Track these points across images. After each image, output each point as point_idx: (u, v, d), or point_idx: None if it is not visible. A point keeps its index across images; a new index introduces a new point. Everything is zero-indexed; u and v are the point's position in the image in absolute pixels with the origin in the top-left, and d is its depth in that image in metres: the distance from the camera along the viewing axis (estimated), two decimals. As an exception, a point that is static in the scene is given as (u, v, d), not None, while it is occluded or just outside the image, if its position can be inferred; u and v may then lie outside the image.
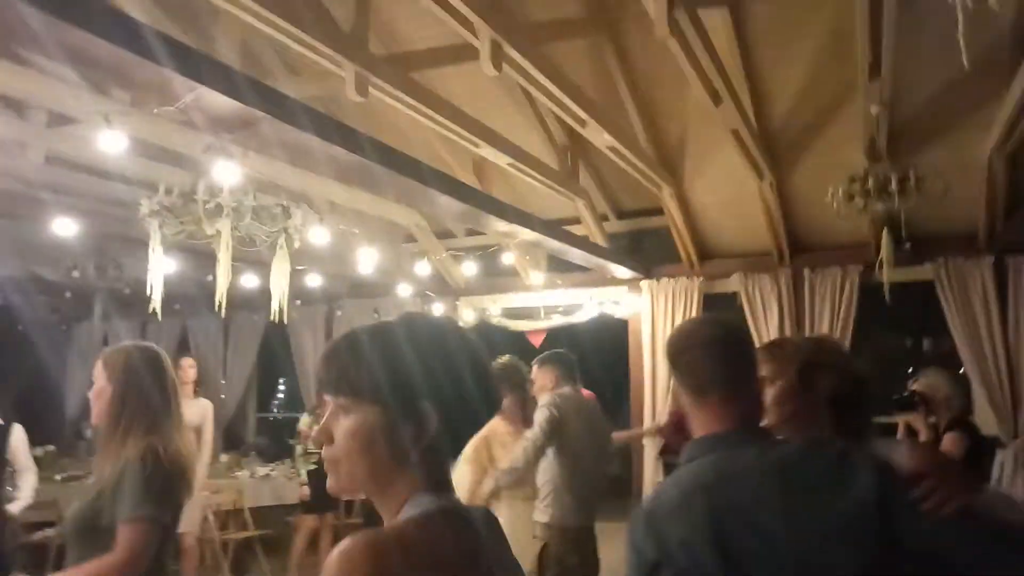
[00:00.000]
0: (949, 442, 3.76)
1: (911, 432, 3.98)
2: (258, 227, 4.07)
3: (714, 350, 1.60)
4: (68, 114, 4.06)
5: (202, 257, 5.27)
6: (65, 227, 5.25)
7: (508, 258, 7.69)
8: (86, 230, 5.47)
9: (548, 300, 8.18)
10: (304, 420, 6.90)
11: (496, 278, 8.25)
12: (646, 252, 7.86)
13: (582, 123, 4.90)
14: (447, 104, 4.93)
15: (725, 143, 5.66)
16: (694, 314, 7.40)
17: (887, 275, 4.67)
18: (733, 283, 7.31)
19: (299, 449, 6.62)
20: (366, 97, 3.98)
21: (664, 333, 7.47)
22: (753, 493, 1.42)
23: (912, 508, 1.32)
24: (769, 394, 1.72)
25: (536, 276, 7.75)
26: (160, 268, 4.06)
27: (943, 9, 4.65)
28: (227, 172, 3.46)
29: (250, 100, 2.86)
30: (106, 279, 6.66)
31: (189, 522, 5.26)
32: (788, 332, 6.93)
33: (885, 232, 4.50)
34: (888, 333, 7.15)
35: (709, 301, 7.56)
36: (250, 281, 5.90)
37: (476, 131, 5.13)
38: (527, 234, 5.15)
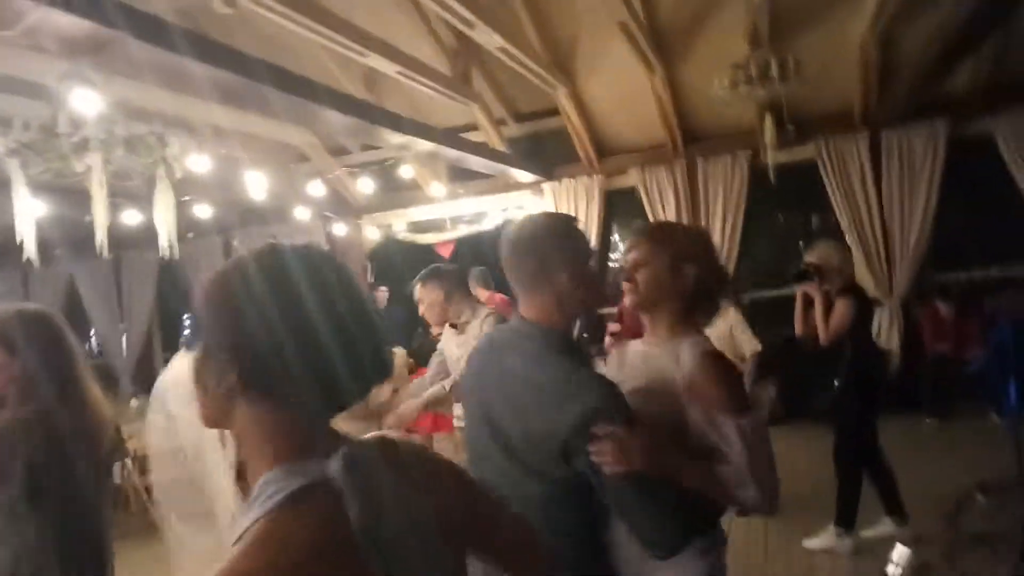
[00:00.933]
0: (842, 306, 4.08)
1: (808, 301, 4.28)
2: (133, 159, 3.79)
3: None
4: None
5: (77, 196, 4.90)
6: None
7: (408, 171, 7.54)
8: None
9: (453, 211, 8.13)
10: None
11: (397, 193, 8.11)
12: (547, 154, 7.86)
13: (470, 25, 4.74)
14: (327, 12, 4.65)
15: (615, 39, 5.65)
16: (598, 213, 7.56)
17: (771, 158, 4.86)
18: (632, 178, 7.46)
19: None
20: (234, 7, 3.69)
21: (569, 233, 7.61)
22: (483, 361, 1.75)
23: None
24: (639, 277, 1.80)
25: (437, 187, 7.66)
26: (29, 212, 3.73)
27: None
28: (88, 101, 3.15)
29: (100, 17, 2.59)
30: (-30, 229, 6.10)
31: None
32: (684, 219, 7.20)
33: (768, 117, 4.65)
34: (779, 212, 7.52)
35: (611, 197, 7.72)
36: (134, 218, 5.55)
37: (361, 40, 4.88)
38: (423, 145, 5.03)
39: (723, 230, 7.11)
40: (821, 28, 5.93)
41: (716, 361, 1.70)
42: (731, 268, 7.15)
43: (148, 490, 6.14)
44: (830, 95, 6.61)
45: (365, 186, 7.18)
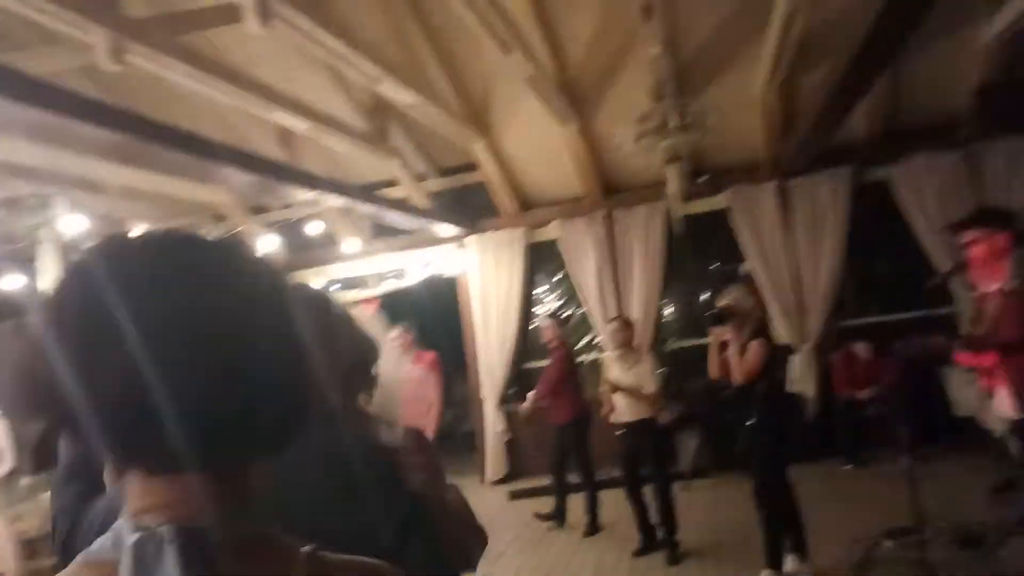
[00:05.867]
0: (755, 347, 4.15)
1: (722, 344, 4.34)
2: (13, 221, 3.59)
3: None
4: None
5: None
6: None
7: (327, 227, 7.41)
8: None
9: (374, 267, 8.01)
10: None
11: (317, 250, 7.95)
12: (470, 208, 7.86)
13: (377, 81, 4.74)
14: (229, 69, 4.59)
15: (528, 92, 5.73)
16: (521, 266, 7.56)
17: (676, 207, 4.98)
18: (553, 230, 7.51)
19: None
20: (123, 65, 3.58)
21: (495, 287, 7.59)
22: None
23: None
24: None
25: (353, 243, 7.52)
26: None
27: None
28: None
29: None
30: None
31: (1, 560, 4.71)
32: (606, 271, 7.27)
33: (673, 168, 4.76)
34: (697, 261, 7.65)
35: (534, 250, 7.75)
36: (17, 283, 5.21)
37: (266, 96, 4.82)
38: (335, 201, 4.94)
39: (642, 281, 7.19)
40: (725, 81, 6.15)
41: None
42: (652, 319, 7.23)
43: (39, 576, 5.68)
44: (738, 146, 6.84)
45: (269, 244, 6.94)
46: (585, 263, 7.35)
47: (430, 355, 5.56)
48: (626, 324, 5.12)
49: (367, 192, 5.84)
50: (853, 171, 6.71)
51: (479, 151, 6.84)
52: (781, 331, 6.89)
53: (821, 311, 6.80)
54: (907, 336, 6.57)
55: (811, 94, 5.85)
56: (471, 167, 7.38)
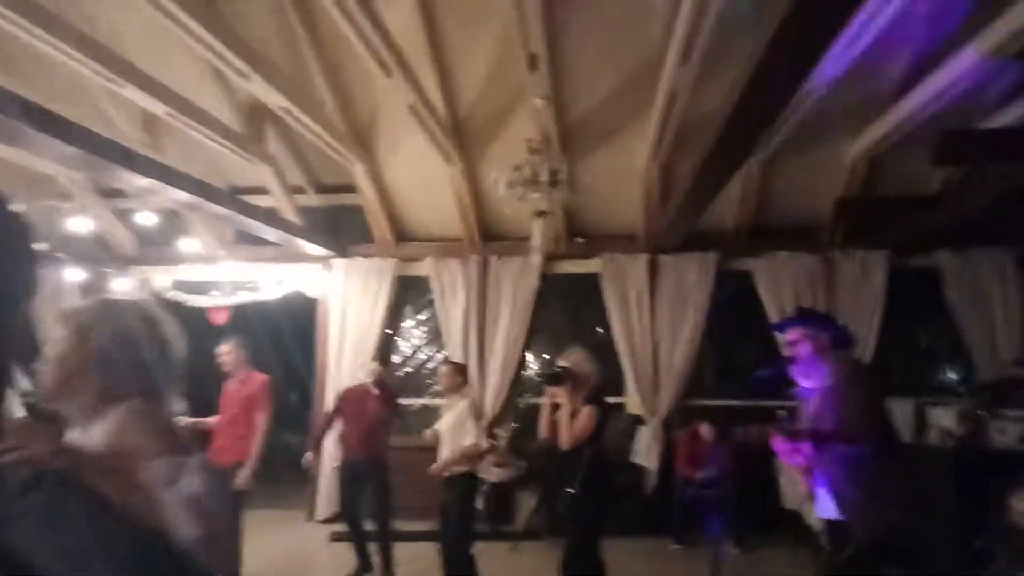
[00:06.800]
0: (587, 413, 4.05)
1: (555, 406, 4.22)
2: None
3: None
4: None
5: None
6: None
7: (184, 226, 6.90)
8: None
9: (233, 275, 7.50)
10: None
11: (171, 247, 7.37)
12: (343, 229, 7.57)
13: (245, 77, 4.43)
14: (86, 38, 4.17)
15: (416, 124, 5.56)
16: (387, 295, 7.28)
17: (535, 260, 4.90)
18: (426, 266, 7.31)
19: None
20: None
21: (357, 314, 7.26)
22: None
23: None
24: None
25: (213, 248, 7.04)
26: None
27: (610, 15, 5.00)
28: None
29: None
30: None
31: None
32: (473, 317, 7.11)
33: (537, 221, 4.70)
34: (564, 321, 7.62)
35: (403, 283, 7.51)
36: None
37: (121, 71, 4.41)
38: (177, 194, 4.54)
39: (508, 332, 7.08)
40: (612, 151, 6.24)
41: None
42: (512, 372, 7.10)
43: None
44: (618, 215, 6.94)
45: (134, 233, 6.28)
46: (453, 306, 7.17)
47: (261, 377, 5.13)
48: (457, 369, 4.94)
49: (218, 193, 5.42)
50: (719, 258, 6.92)
51: (359, 174, 6.59)
52: (633, 402, 6.93)
53: (674, 387, 6.89)
54: (749, 423, 6.81)
55: (686, 178, 6.00)
56: (350, 188, 7.10)
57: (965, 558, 4.49)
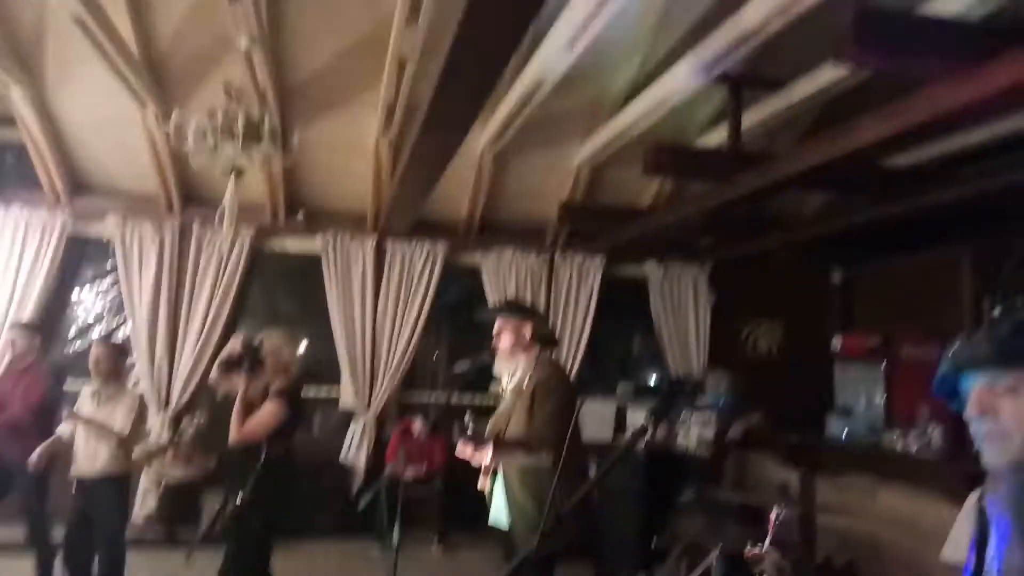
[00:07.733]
0: (272, 407, 3.54)
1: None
2: None
3: None
4: None
5: None
6: None
7: None
8: None
9: None
10: None
11: None
12: (2, 169, 6.07)
13: None
14: None
15: (92, 45, 4.46)
16: (51, 255, 5.94)
17: (228, 227, 4.18)
18: (109, 226, 6.10)
19: None
20: None
21: (2, 275, 5.84)
22: None
23: None
24: None
25: None
26: None
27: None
28: None
29: None
30: None
31: None
32: (164, 289, 6.08)
33: (231, 181, 3.99)
34: (281, 302, 6.90)
35: (78, 245, 6.21)
36: None
37: None
38: None
39: (207, 311, 6.15)
40: (339, 120, 5.64)
41: None
42: (208, 356, 6.18)
43: None
44: (345, 192, 6.37)
45: None
46: (143, 275, 6.07)
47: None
48: (115, 350, 4.13)
49: None
50: (448, 248, 6.66)
51: (18, 100, 5.24)
52: (348, 393, 6.43)
53: (391, 380, 6.49)
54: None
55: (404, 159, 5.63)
56: (9, 121, 5.65)
57: (644, 558, 4.67)
